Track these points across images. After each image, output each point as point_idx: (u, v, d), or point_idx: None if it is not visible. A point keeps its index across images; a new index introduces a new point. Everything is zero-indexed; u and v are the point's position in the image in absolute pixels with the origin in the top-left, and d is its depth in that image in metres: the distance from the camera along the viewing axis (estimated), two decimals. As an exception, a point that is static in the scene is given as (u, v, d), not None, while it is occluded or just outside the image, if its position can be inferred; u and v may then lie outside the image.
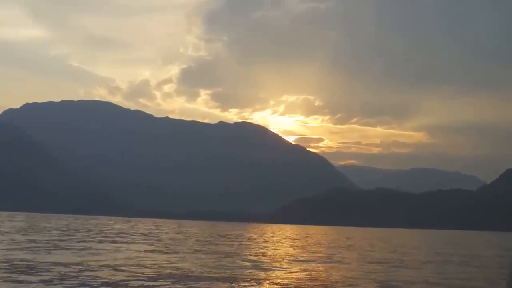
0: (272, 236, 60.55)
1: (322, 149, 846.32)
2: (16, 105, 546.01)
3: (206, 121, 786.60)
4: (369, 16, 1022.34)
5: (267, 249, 33.87)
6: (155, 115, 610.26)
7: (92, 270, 16.92)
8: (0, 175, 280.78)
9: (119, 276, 15.64)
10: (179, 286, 14.42)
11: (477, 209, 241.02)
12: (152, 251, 27.16)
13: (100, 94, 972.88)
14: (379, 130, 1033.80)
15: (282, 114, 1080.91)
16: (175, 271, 17.73)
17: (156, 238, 41.56)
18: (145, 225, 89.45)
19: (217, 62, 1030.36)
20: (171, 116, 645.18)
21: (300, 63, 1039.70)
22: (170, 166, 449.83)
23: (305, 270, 20.47)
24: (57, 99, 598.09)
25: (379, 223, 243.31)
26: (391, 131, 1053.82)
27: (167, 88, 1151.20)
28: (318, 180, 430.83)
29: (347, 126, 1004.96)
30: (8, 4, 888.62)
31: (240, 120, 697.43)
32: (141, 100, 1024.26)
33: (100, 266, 18.36)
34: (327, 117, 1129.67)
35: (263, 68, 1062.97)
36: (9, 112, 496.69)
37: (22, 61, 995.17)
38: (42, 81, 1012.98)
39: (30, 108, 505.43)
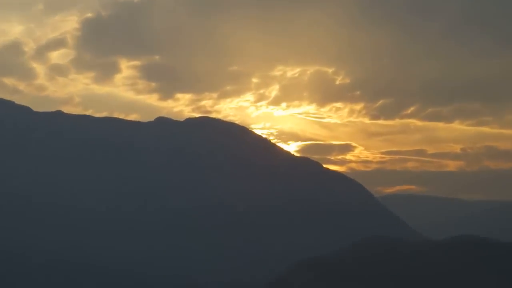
0: None
1: (352, 165, 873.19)
2: None
3: (133, 117, 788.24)
4: None
5: None
6: (34, 109, 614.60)
7: None
8: None
9: None
10: None
11: None
12: None
13: None
14: (459, 128, 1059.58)
15: (275, 103, 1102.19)
16: None
17: None
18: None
19: (150, 6, 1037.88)
20: (67, 110, 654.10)
21: (306, 9, 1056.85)
22: (67, 206, 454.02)
23: None
24: None
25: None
26: (483, 129, 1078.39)
27: (56, 57, 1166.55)
28: (346, 223, 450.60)
29: (397, 121, 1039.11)
30: None
31: (196, 115, 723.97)
32: (8, 81, 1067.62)
33: None
34: (359, 106, 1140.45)
35: (238, 18, 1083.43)
36: None
37: None
38: None
39: None
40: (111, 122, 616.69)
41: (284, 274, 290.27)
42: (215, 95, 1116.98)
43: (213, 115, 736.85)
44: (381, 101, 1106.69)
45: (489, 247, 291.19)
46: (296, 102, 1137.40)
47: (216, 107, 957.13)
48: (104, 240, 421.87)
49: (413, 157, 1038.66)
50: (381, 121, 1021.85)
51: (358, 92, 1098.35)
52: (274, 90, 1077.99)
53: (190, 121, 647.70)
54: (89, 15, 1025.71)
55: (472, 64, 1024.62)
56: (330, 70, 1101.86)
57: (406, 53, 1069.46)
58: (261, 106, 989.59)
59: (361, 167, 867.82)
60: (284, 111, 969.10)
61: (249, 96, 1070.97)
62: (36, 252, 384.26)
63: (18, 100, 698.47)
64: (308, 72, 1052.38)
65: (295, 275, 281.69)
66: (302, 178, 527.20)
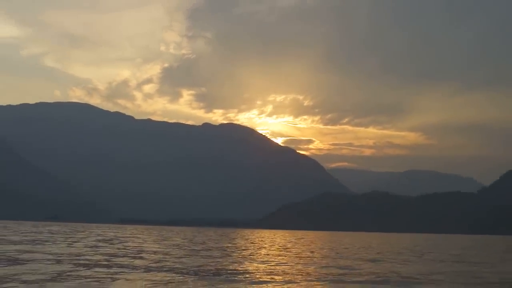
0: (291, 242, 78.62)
1: (313, 151, 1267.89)
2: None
3: (190, 122, 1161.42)
4: (362, 10, 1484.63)
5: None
6: (136, 117, 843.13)
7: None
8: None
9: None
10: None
11: (479, 212, 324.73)
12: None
13: (76, 95, 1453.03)
14: (372, 130, 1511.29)
15: (270, 115, 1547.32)
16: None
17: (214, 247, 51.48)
18: (144, 232, 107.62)
19: (200, 60, 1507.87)
20: (153, 118, 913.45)
21: (288, 61, 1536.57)
22: (152, 171, 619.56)
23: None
24: (31, 101, 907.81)
25: (372, 227, 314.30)
26: (385, 131, 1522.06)
27: (147, 88, 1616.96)
28: (309, 183, 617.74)
29: (338, 127, 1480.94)
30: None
31: (225, 122, 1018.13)
32: (121, 102, 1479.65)
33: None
34: (317, 118, 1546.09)
35: (249, 66, 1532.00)
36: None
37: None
38: (15, 82, 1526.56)
39: (3, 110, 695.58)
40: (178, 125, 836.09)
41: (274, 212, 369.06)
42: (235, 110, 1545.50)
43: (235, 122, 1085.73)
44: (329, 115, 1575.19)
45: (389, 198, 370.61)
46: (282, 115, 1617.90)
47: (237, 117, 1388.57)
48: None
49: (346, 147, 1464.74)
50: (329, 126, 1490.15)
51: (317, 110, 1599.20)
52: (269, 108, 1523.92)
53: (222, 125, 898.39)
54: (165, 65, 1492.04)
55: (383, 94, 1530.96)
56: (301, 97, 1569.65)
57: (344, 87, 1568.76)
58: (262, 117, 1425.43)
59: (318, 152, 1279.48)
60: (275, 120, 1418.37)
61: (255, 111, 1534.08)
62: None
63: (126, 112, 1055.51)
64: (289, 98, 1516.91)
65: (283, 213, 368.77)
66: (284, 157, 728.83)
